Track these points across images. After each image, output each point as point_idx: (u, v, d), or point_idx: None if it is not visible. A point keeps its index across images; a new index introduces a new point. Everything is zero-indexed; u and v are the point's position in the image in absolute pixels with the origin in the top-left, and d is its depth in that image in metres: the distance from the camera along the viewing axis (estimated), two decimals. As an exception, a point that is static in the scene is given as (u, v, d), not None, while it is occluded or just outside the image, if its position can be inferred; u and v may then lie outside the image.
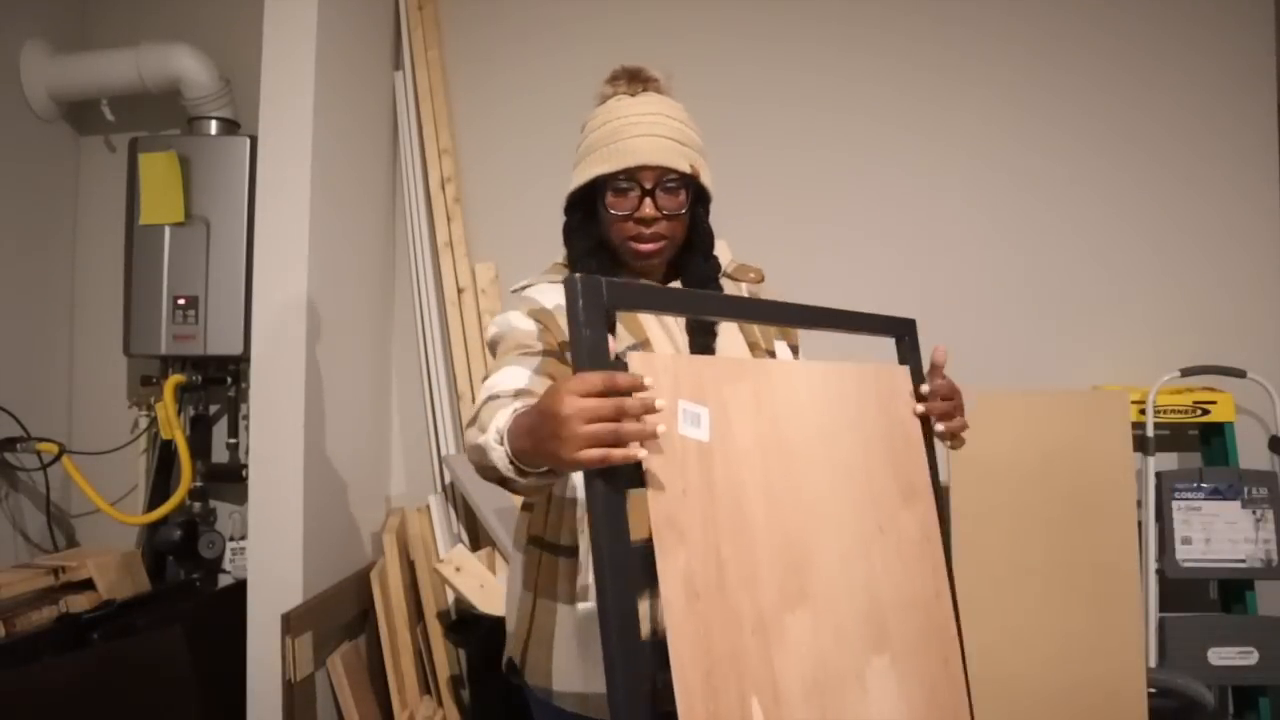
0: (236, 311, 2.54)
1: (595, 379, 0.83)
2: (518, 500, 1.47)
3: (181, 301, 2.56)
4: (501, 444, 0.96)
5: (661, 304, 1.03)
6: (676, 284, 1.31)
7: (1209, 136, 2.57)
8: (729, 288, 1.35)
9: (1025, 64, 2.64)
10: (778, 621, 0.94)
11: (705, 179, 1.26)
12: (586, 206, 1.28)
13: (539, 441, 0.88)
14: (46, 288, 2.83)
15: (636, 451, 0.83)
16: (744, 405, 0.98)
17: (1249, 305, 2.53)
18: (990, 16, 2.66)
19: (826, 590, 1.01)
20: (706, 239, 1.31)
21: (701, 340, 1.24)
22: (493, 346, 1.25)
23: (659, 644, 0.86)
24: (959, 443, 1.26)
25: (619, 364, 0.87)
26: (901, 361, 1.27)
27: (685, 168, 1.22)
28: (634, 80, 1.27)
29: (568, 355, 1.14)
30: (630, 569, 0.85)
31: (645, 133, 1.21)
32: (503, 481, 1.01)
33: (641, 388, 0.85)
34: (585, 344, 0.86)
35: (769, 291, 1.40)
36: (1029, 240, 2.63)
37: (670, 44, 2.65)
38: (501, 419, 0.98)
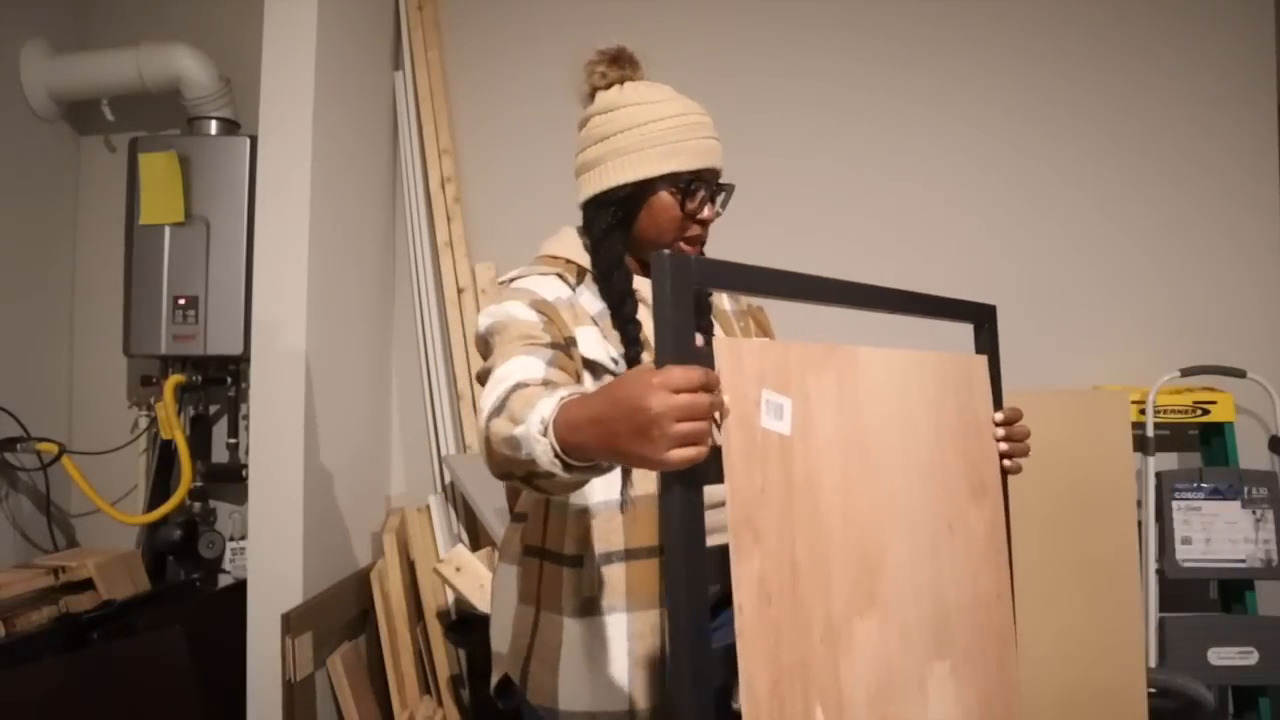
0: (236, 311, 2.54)
1: (694, 376, 0.77)
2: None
3: (181, 301, 2.55)
4: (545, 435, 0.88)
5: (756, 284, 0.94)
6: None
7: (1209, 137, 2.57)
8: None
9: (1025, 68, 2.64)
10: (847, 627, 0.90)
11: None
12: (628, 203, 1.19)
13: (611, 436, 0.81)
14: (46, 288, 2.83)
15: (715, 446, 0.78)
16: (827, 395, 0.92)
17: (1249, 305, 2.53)
18: (988, 22, 2.66)
19: (895, 593, 0.97)
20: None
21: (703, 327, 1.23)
22: (489, 336, 1.14)
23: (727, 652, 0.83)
24: (1017, 469, 1.22)
25: (704, 351, 0.81)
26: (979, 351, 1.22)
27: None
28: (629, 64, 1.24)
29: (574, 351, 1.12)
30: (714, 573, 0.80)
31: (713, 135, 1.21)
32: (531, 477, 0.94)
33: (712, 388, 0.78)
34: (671, 330, 0.78)
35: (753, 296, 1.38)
36: (1029, 241, 2.62)
37: (670, 44, 2.64)
38: (545, 408, 0.89)
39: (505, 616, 1.26)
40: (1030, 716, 2.09)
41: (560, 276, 1.22)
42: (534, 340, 1.08)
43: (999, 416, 1.19)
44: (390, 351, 2.83)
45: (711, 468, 0.81)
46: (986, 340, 1.23)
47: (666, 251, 0.80)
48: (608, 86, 1.23)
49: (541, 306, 1.14)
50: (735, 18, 2.74)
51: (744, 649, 0.80)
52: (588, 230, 1.24)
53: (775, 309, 1.45)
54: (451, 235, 2.73)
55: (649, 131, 1.18)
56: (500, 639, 1.27)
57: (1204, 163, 2.57)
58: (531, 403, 0.92)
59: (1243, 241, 2.55)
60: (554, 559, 1.19)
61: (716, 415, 0.79)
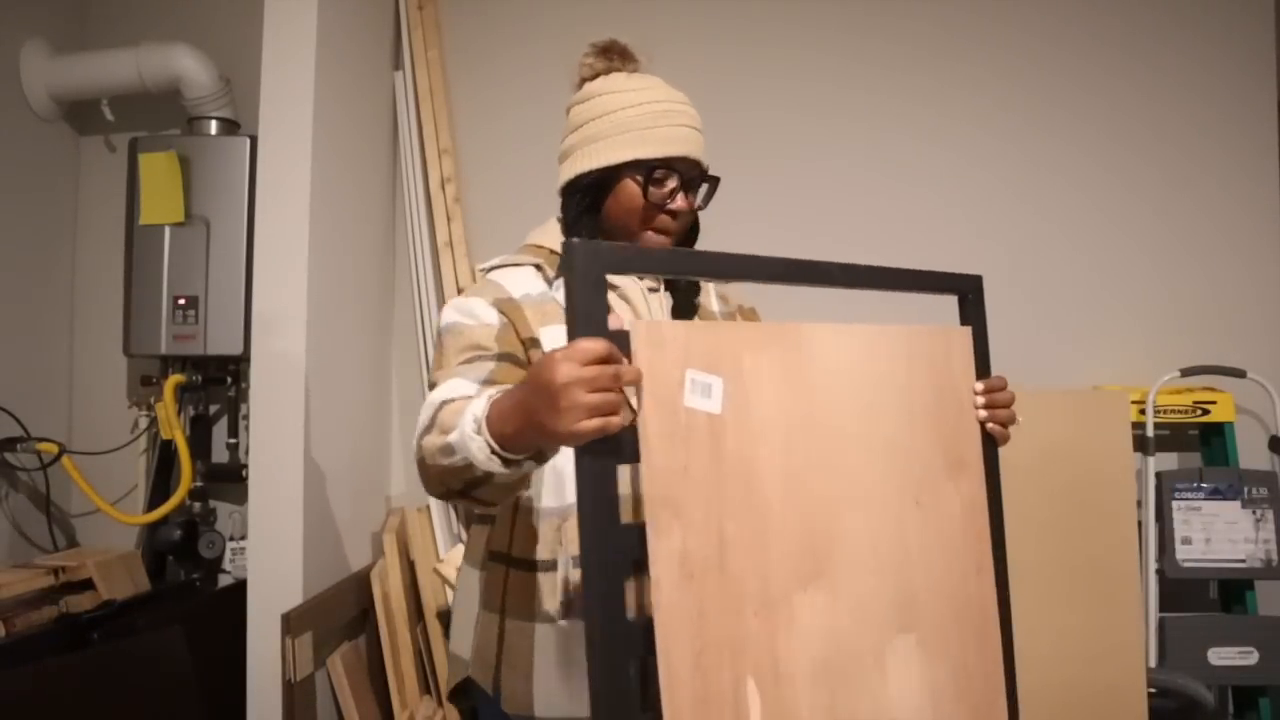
0: (236, 311, 2.53)
1: (596, 346, 0.80)
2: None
3: (181, 301, 2.55)
4: (480, 433, 0.90)
5: (666, 266, 0.99)
6: None
7: (1209, 136, 2.57)
8: (706, 283, 1.31)
9: (1025, 66, 2.64)
10: (786, 602, 0.91)
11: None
12: (596, 189, 1.19)
13: (530, 415, 0.83)
14: (46, 288, 2.83)
15: (627, 419, 0.81)
16: (768, 374, 0.93)
17: (1249, 305, 2.53)
18: (988, 20, 2.66)
19: (849, 568, 0.98)
20: (695, 237, 1.28)
21: (684, 304, 1.21)
22: (443, 336, 1.14)
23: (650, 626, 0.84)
24: (1004, 438, 1.20)
25: (619, 334, 0.84)
26: (964, 323, 1.20)
27: (707, 163, 1.21)
28: (623, 56, 1.22)
29: (532, 354, 1.12)
30: (622, 549, 0.83)
31: (688, 124, 1.18)
32: (469, 488, 0.94)
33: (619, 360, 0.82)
34: (582, 311, 0.83)
35: (736, 294, 1.37)
36: (1028, 241, 2.62)
37: (670, 44, 2.64)
38: (478, 407, 0.91)
39: (467, 621, 1.25)
40: (1030, 716, 2.09)
41: (539, 268, 1.21)
42: (480, 352, 1.09)
43: (979, 386, 1.17)
44: (390, 351, 2.83)
45: (630, 446, 0.84)
46: (972, 312, 1.21)
47: (575, 240, 0.84)
48: (594, 77, 1.22)
49: (505, 306, 1.15)
50: (736, 18, 2.74)
51: (661, 623, 0.83)
52: (562, 218, 1.25)
53: (769, 304, 1.45)
54: (451, 235, 2.73)
55: (618, 118, 1.16)
56: (460, 643, 1.26)
57: (1204, 162, 2.57)
58: (460, 411, 0.94)
59: (1243, 241, 2.55)
60: (522, 565, 1.17)
61: (630, 390, 0.82)
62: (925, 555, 1.06)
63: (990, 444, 1.18)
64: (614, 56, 1.22)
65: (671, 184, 1.17)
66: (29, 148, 2.74)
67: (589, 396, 0.79)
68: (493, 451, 0.90)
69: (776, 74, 2.72)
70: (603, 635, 0.81)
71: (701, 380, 0.88)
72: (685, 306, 1.23)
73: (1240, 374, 2.38)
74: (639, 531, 0.84)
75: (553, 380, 0.79)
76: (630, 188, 1.17)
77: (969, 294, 1.21)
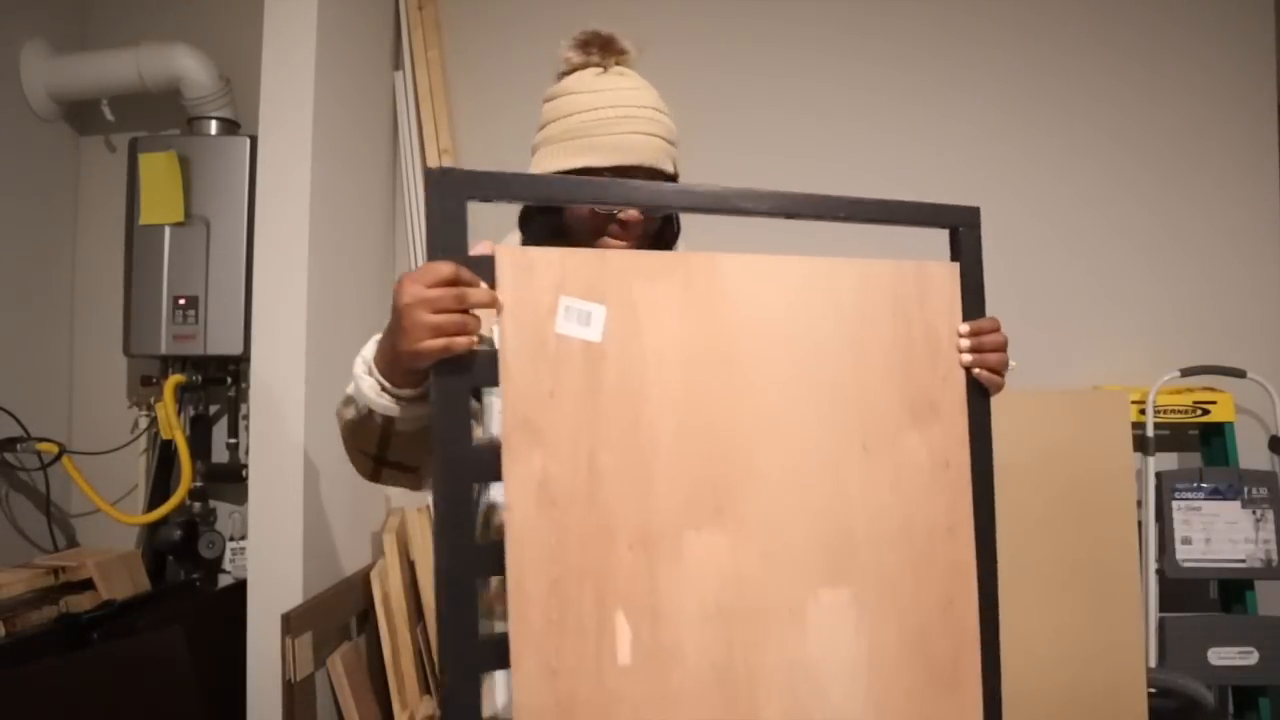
0: (236, 311, 2.53)
1: (441, 268, 0.82)
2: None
3: (181, 301, 2.55)
4: (371, 374, 0.93)
5: (536, 194, 0.97)
6: None
7: (1209, 136, 2.57)
8: None
9: (1025, 68, 2.64)
10: (674, 539, 0.89)
11: (680, 172, 1.18)
12: None
13: (391, 341, 0.86)
14: (46, 288, 2.83)
15: (475, 339, 0.82)
16: (665, 304, 0.91)
17: (1249, 305, 2.53)
18: (987, 23, 2.66)
19: (762, 511, 0.93)
20: (672, 236, 1.22)
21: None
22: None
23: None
24: (994, 385, 1.10)
25: (481, 259, 0.85)
26: (954, 258, 1.11)
27: (670, 169, 1.14)
28: (606, 50, 1.17)
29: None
30: (482, 472, 0.84)
31: (642, 130, 1.11)
32: (383, 447, 0.96)
33: (473, 283, 0.82)
34: (439, 235, 0.84)
35: None
36: (1028, 241, 2.62)
37: (670, 43, 2.65)
38: (366, 350, 0.96)
39: None
40: (1030, 716, 2.09)
41: None
42: None
43: (964, 327, 1.08)
44: (390, 351, 2.83)
45: (492, 369, 0.84)
46: (964, 248, 1.10)
47: (436, 167, 0.84)
48: (570, 71, 1.19)
49: None
50: (737, 18, 2.74)
51: (512, 546, 0.83)
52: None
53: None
54: (451, 235, 2.72)
55: (570, 123, 1.13)
56: None
57: (1204, 162, 2.57)
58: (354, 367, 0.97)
59: (1243, 241, 2.55)
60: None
61: (489, 314, 0.83)
62: (872, 506, 0.99)
63: (979, 393, 1.08)
64: (593, 50, 1.17)
65: None
66: (29, 148, 2.74)
67: (431, 316, 0.81)
68: (383, 389, 0.92)
69: (775, 73, 2.72)
70: (451, 557, 0.82)
71: (578, 307, 0.87)
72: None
73: (1240, 374, 2.38)
74: (496, 454, 0.84)
75: (398, 301, 0.82)
76: None
77: (960, 228, 1.10)
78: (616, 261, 0.91)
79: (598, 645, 0.85)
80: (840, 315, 1.00)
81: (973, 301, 1.09)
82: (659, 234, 1.21)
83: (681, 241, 1.27)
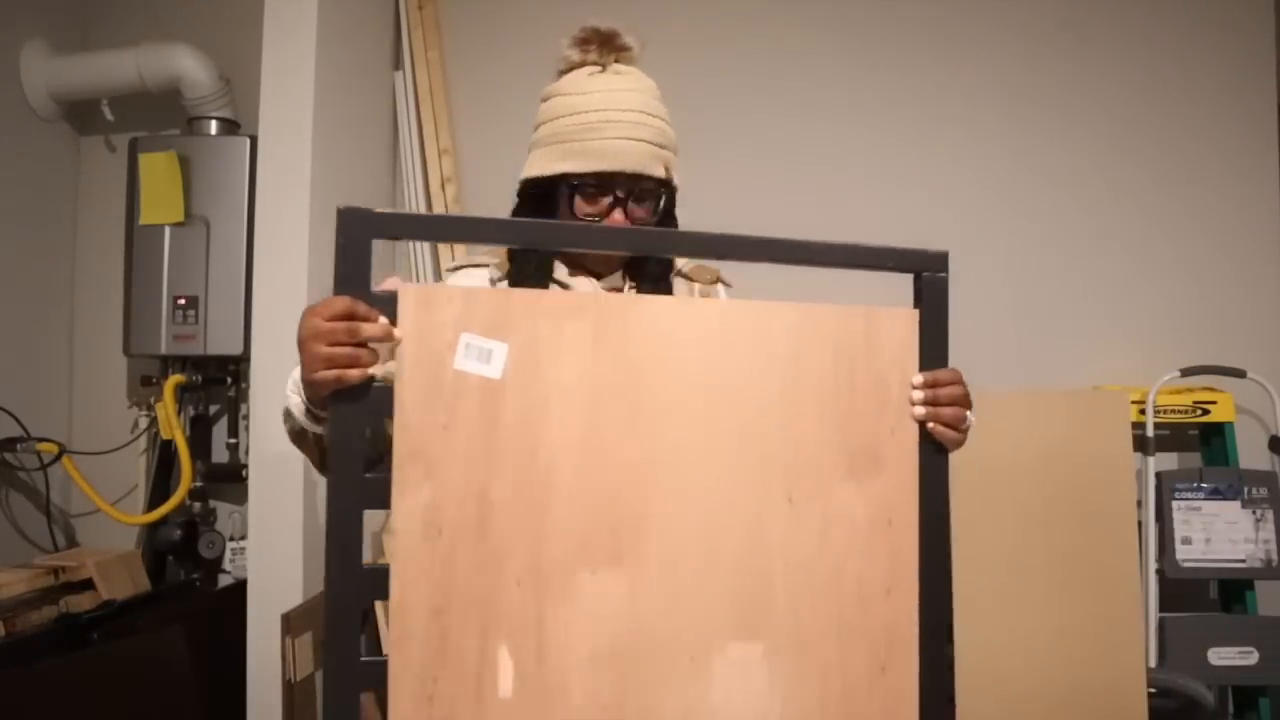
0: (236, 311, 2.53)
1: (337, 302, 0.86)
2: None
3: (181, 301, 2.55)
4: (298, 392, 1.00)
5: (438, 233, 1.01)
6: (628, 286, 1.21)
7: (1209, 135, 2.57)
8: (680, 288, 1.24)
9: (1026, 63, 2.64)
10: (566, 577, 0.89)
11: (675, 176, 1.16)
12: (542, 192, 1.17)
13: (302, 369, 0.91)
14: (46, 288, 2.83)
15: (366, 372, 0.86)
16: (571, 344, 0.91)
17: (1249, 305, 2.53)
18: (984, 24, 2.66)
19: (666, 557, 0.92)
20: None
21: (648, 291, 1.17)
22: None
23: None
24: (950, 441, 1.02)
25: (384, 295, 0.88)
26: (917, 304, 1.03)
27: (660, 173, 1.12)
28: (606, 47, 1.15)
29: None
30: (372, 499, 0.87)
31: (626, 135, 1.09)
32: (323, 461, 0.99)
33: (373, 318, 0.86)
34: (342, 273, 0.88)
35: (730, 297, 1.29)
36: (1028, 241, 2.62)
37: (670, 43, 2.64)
38: (296, 371, 1.01)
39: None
40: (1030, 716, 2.09)
41: (493, 272, 1.21)
42: None
43: (919, 378, 0.99)
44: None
45: (386, 401, 0.88)
46: (928, 294, 1.01)
47: (342, 206, 0.88)
48: (568, 69, 1.18)
49: None
50: (738, 17, 2.74)
51: (397, 572, 0.85)
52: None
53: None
54: (451, 235, 2.73)
55: (557, 127, 1.13)
56: None
57: (1204, 163, 2.57)
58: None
59: (1243, 241, 2.55)
60: None
61: (386, 347, 0.87)
62: (794, 560, 0.95)
63: (933, 448, 1.01)
64: (591, 48, 1.15)
65: (605, 200, 1.12)
66: (29, 148, 2.74)
67: (325, 349, 0.85)
68: (307, 410, 0.98)
69: (775, 74, 2.72)
70: (339, 581, 0.85)
71: (479, 345, 0.89)
72: (655, 282, 1.20)
73: (1240, 374, 2.38)
74: (387, 483, 0.87)
75: (299, 334, 0.88)
76: (564, 200, 1.14)
77: (925, 273, 1.02)
78: (522, 301, 0.92)
79: (478, 676, 0.86)
80: (770, 361, 0.97)
81: (934, 351, 1.01)
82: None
83: None
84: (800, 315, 0.99)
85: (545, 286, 1.15)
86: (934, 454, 1.01)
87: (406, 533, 0.86)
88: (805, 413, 0.97)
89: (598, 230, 1.07)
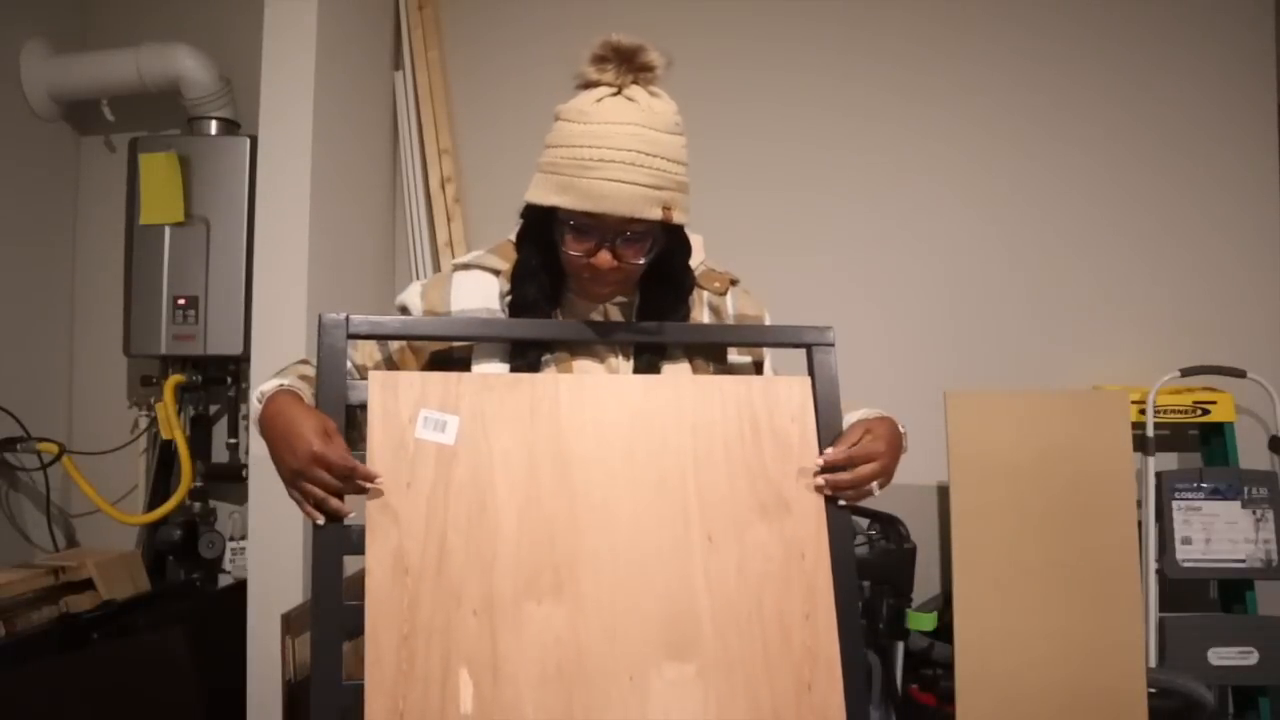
0: (236, 311, 2.53)
1: (338, 467, 1.01)
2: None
3: (181, 301, 2.55)
4: (260, 402, 1.10)
5: (408, 333, 1.18)
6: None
7: (1208, 136, 2.57)
8: (691, 297, 1.23)
9: (1026, 67, 2.64)
10: (515, 608, 1.03)
11: (681, 217, 1.10)
12: (538, 225, 1.16)
13: (275, 451, 1.06)
14: (46, 288, 2.83)
15: (342, 509, 1.04)
16: (511, 416, 1.09)
17: (1249, 305, 2.53)
18: (989, 22, 2.66)
19: (601, 590, 1.05)
20: (677, 270, 1.20)
21: (646, 359, 1.18)
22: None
23: None
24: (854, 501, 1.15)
25: (363, 384, 1.08)
26: (811, 373, 1.20)
27: (655, 215, 1.07)
28: (625, 66, 1.10)
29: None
30: (349, 547, 1.05)
31: (617, 178, 1.05)
32: None
33: (370, 476, 1.02)
34: (325, 386, 1.07)
35: (739, 300, 1.28)
36: (1029, 240, 2.62)
37: (671, 42, 2.64)
38: (269, 385, 1.12)
39: None
40: (1030, 716, 2.09)
41: (500, 275, 1.21)
42: (369, 361, 1.22)
43: (820, 460, 1.13)
44: (390, 351, 2.83)
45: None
46: (818, 365, 1.19)
47: (321, 317, 1.07)
48: (584, 86, 1.13)
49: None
50: (739, 14, 2.74)
51: (370, 606, 1.00)
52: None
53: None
54: (451, 235, 2.73)
55: (556, 156, 1.09)
56: None
57: (1204, 162, 2.57)
58: (272, 380, 1.15)
59: (1243, 241, 2.55)
60: None
61: (367, 485, 1.03)
62: (718, 591, 1.09)
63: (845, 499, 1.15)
64: (608, 67, 1.10)
65: (592, 242, 1.09)
66: (29, 148, 2.75)
67: (307, 486, 1.03)
68: (259, 424, 1.10)
69: (779, 69, 2.72)
70: (321, 620, 1.02)
71: (435, 417, 1.06)
72: (653, 352, 1.19)
73: (1240, 374, 2.38)
74: (362, 533, 1.04)
75: (289, 464, 1.03)
76: (559, 232, 1.12)
77: (814, 346, 1.19)
78: (469, 382, 1.10)
79: (442, 695, 0.99)
80: (681, 424, 1.13)
81: (828, 416, 1.17)
82: (662, 265, 1.18)
83: (698, 252, 1.25)
84: (706, 386, 1.16)
85: (549, 315, 1.19)
86: (837, 502, 1.16)
87: (378, 571, 1.01)
88: (717, 466, 1.13)
89: (551, 325, 1.19)
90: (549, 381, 1.12)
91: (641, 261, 1.12)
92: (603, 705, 1.02)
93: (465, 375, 1.12)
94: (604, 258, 1.10)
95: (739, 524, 1.11)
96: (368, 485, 1.03)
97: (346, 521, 1.05)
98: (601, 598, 1.05)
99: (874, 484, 1.14)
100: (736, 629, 1.08)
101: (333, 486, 1.02)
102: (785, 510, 1.13)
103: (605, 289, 1.16)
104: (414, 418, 1.06)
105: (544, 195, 1.10)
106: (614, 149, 1.06)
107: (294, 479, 1.04)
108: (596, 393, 1.12)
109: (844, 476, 1.13)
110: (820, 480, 1.13)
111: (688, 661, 1.06)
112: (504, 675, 1.00)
